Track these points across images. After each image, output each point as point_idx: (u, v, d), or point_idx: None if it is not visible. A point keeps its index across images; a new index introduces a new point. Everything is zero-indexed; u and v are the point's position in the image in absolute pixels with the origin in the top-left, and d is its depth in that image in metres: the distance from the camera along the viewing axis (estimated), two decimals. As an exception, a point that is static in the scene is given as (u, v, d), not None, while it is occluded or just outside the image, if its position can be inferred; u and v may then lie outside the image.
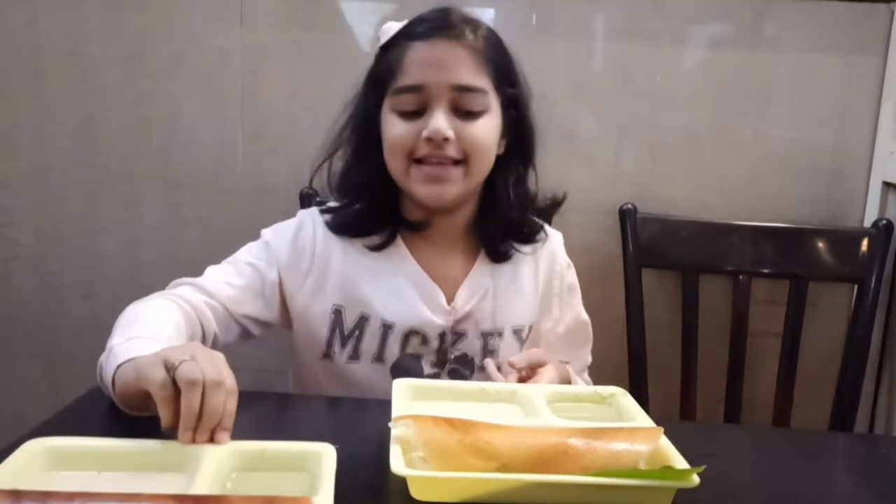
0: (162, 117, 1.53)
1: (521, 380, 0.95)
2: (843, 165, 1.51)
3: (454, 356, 1.07)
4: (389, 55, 1.01)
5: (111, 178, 1.56)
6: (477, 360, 1.07)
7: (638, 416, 0.82)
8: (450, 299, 1.06)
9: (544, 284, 1.13)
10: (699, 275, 1.48)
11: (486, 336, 1.08)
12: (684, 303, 1.48)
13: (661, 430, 0.73)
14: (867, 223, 1.49)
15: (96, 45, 1.51)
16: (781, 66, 1.48)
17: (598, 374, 1.56)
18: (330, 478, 0.65)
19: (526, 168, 1.09)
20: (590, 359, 1.21)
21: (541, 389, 0.88)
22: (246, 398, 0.93)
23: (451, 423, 0.71)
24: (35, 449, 0.68)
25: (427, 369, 1.06)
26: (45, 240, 1.59)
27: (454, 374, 1.08)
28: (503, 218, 1.07)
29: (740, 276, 1.47)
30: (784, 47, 1.48)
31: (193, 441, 0.69)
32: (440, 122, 0.97)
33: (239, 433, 0.72)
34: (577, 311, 1.18)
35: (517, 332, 1.10)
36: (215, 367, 0.72)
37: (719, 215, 1.50)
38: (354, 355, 1.06)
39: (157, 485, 0.66)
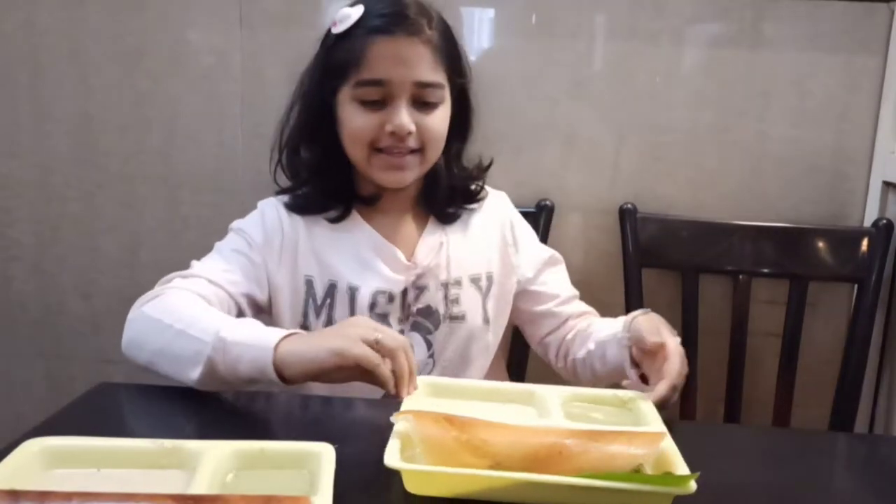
0: (162, 117, 1.54)
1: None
2: (844, 165, 1.51)
3: (416, 309, 1.13)
4: (349, 44, 1.05)
5: (111, 178, 1.56)
6: (441, 311, 1.14)
7: (652, 422, 0.82)
8: (408, 258, 1.13)
9: (496, 237, 1.20)
10: (699, 275, 1.48)
11: (446, 286, 1.14)
12: (684, 303, 1.47)
13: (664, 434, 0.73)
14: (867, 223, 1.49)
15: (96, 45, 1.51)
16: (781, 66, 1.48)
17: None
18: (329, 477, 0.65)
19: (464, 143, 1.18)
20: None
21: (559, 391, 0.89)
22: (246, 398, 0.94)
23: (449, 419, 0.71)
24: (33, 449, 0.68)
25: (395, 326, 1.12)
26: (44, 240, 1.59)
27: (417, 328, 1.14)
28: (447, 187, 1.15)
29: (740, 276, 1.47)
30: (784, 47, 1.48)
31: (406, 395, 0.85)
32: (404, 118, 1.04)
33: (238, 432, 0.72)
34: (538, 249, 1.25)
35: (475, 281, 1.16)
36: (395, 333, 0.88)
37: (719, 215, 1.50)
38: (329, 323, 1.11)
39: (156, 483, 0.66)
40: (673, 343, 0.95)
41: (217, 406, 0.92)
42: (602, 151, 1.52)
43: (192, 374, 0.91)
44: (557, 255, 1.25)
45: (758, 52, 1.48)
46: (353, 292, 1.11)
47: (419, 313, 1.14)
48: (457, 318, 1.15)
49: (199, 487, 0.63)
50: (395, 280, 1.11)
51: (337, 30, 1.07)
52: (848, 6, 1.45)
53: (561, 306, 1.21)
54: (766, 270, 1.48)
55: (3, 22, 1.51)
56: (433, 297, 1.14)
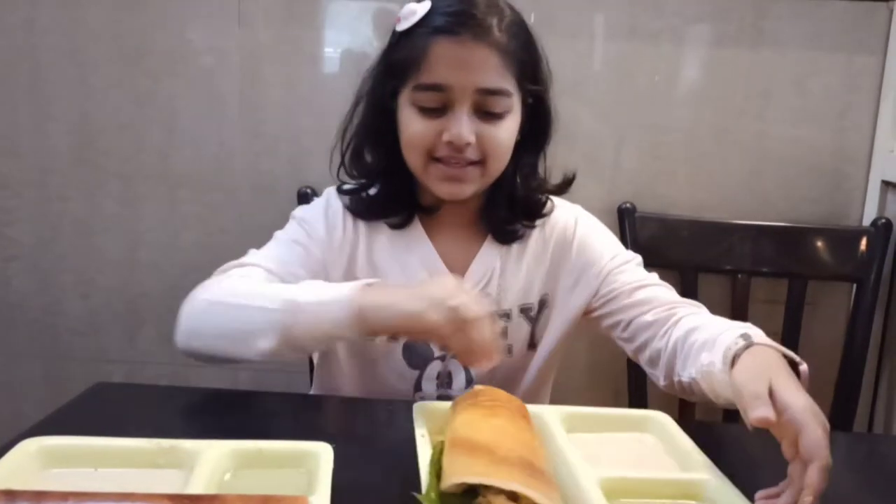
0: (161, 117, 1.53)
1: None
2: (843, 164, 1.51)
3: None
4: (411, 43, 0.98)
5: (110, 178, 1.56)
6: None
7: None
8: None
9: (556, 258, 1.10)
10: (698, 274, 1.48)
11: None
12: (683, 302, 1.47)
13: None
14: (866, 222, 1.49)
15: (96, 45, 1.51)
16: (781, 66, 1.48)
17: (599, 375, 1.58)
18: (327, 476, 0.65)
19: (538, 155, 1.09)
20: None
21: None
22: (244, 398, 0.94)
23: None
24: (30, 448, 0.68)
25: (437, 351, 1.07)
26: (44, 239, 1.59)
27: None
28: (509, 202, 1.07)
29: (739, 276, 1.47)
30: (783, 46, 1.48)
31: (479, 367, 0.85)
32: (463, 127, 0.96)
33: (236, 432, 0.72)
34: (611, 258, 1.10)
35: (525, 311, 1.09)
36: (476, 302, 0.84)
37: (718, 214, 1.50)
38: None
39: (153, 482, 0.66)
40: (801, 407, 0.67)
41: (215, 405, 0.92)
42: (602, 151, 1.52)
43: (264, 345, 0.87)
44: (632, 254, 1.11)
45: (757, 51, 1.48)
46: None
47: None
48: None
49: (197, 487, 0.63)
50: None
51: (400, 27, 0.99)
52: (847, 6, 1.45)
53: (637, 292, 1.05)
54: (765, 270, 1.48)
55: (3, 21, 1.51)
56: None
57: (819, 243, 1.47)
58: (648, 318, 1.02)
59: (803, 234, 1.48)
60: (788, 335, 1.47)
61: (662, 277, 1.50)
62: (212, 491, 0.63)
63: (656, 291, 1.05)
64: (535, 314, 1.10)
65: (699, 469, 0.73)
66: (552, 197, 1.12)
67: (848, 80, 1.48)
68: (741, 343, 0.80)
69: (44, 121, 1.54)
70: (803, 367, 0.78)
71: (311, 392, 1.16)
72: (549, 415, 0.82)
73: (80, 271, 1.59)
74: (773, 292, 1.50)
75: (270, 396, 0.95)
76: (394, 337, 0.94)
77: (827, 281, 1.51)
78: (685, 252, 1.48)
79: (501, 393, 0.80)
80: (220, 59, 1.51)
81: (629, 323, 1.05)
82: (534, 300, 1.10)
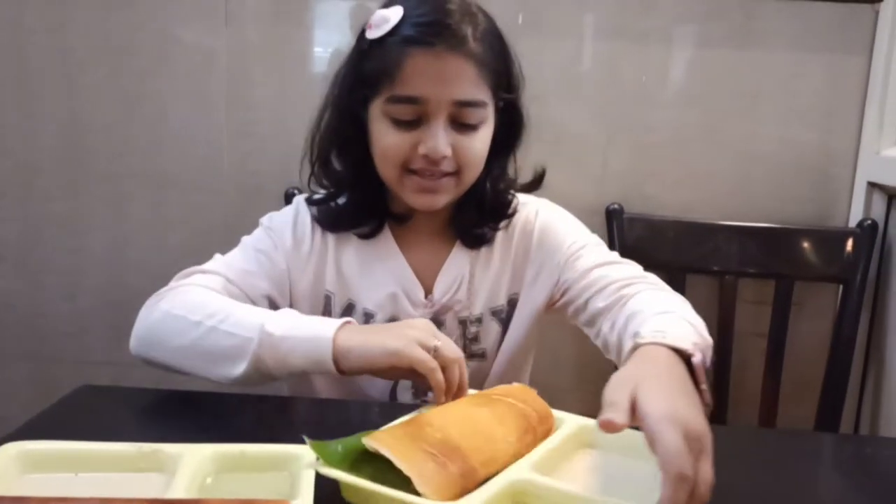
0: (148, 116, 1.53)
1: None
2: (829, 165, 1.52)
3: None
4: (383, 52, 0.95)
5: (97, 178, 1.55)
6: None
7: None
8: (428, 289, 1.06)
9: (520, 255, 1.09)
10: (686, 275, 1.48)
11: (463, 324, 1.08)
12: (671, 303, 1.48)
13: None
14: (852, 223, 1.49)
15: (82, 44, 1.51)
16: (768, 66, 1.49)
17: (585, 376, 1.58)
18: (310, 480, 0.64)
19: (508, 157, 1.08)
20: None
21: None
22: (227, 400, 0.93)
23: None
24: (10, 453, 0.67)
25: (410, 395, 1.06)
26: (29, 240, 1.58)
27: None
28: (478, 207, 1.06)
29: (726, 276, 1.48)
30: (770, 47, 1.48)
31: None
32: (439, 141, 0.94)
33: (219, 435, 0.72)
34: (571, 246, 1.08)
35: (496, 314, 1.09)
36: (453, 344, 0.85)
37: (706, 215, 1.50)
38: None
39: (135, 487, 0.66)
40: (656, 416, 0.63)
41: (198, 408, 0.91)
42: (590, 151, 1.52)
43: (233, 371, 0.87)
44: (593, 237, 1.11)
45: (745, 52, 1.48)
46: (368, 319, 1.05)
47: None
48: (476, 356, 1.08)
49: (178, 491, 0.63)
50: (410, 314, 1.05)
51: (372, 34, 0.96)
52: (833, 7, 1.46)
53: (591, 273, 1.03)
54: (752, 270, 1.48)
55: (-11, 20, 1.50)
56: (449, 334, 1.04)
57: (805, 244, 1.48)
58: (600, 304, 1.00)
59: (790, 235, 1.48)
60: (775, 336, 1.47)
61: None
62: (193, 495, 0.63)
63: (608, 270, 1.03)
64: (506, 316, 1.09)
65: None
66: (518, 195, 1.11)
67: (834, 82, 1.49)
68: (629, 345, 0.82)
69: (30, 120, 1.54)
70: (696, 358, 0.77)
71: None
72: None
73: (67, 272, 1.58)
74: (760, 293, 1.51)
75: (255, 399, 0.94)
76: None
77: (813, 282, 1.51)
78: (673, 253, 1.48)
79: (528, 393, 0.83)
80: (207, 59, 1.51)
81: (585, 307, 1.03)
82: (503, 301, 1.09)
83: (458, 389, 0.83)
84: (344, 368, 0.85)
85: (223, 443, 0.71)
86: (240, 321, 0.88)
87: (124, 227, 1.57)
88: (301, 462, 0.67)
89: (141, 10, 1.49)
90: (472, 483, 0.67)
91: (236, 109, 1.52)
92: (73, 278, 1.58)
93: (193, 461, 0.67)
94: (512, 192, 1.10)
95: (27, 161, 1.55)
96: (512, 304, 1.10)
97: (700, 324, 0.90)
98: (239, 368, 0.86)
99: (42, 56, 1.51)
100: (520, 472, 0.70)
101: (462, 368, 0.84)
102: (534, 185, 1.12)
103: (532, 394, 0.83)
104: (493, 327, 1.09)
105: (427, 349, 0.82)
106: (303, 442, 0.67)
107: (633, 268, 1.05)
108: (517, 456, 0.72)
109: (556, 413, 0.82)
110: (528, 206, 1.12)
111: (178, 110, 1.52)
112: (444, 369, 0.82)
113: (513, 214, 1.09)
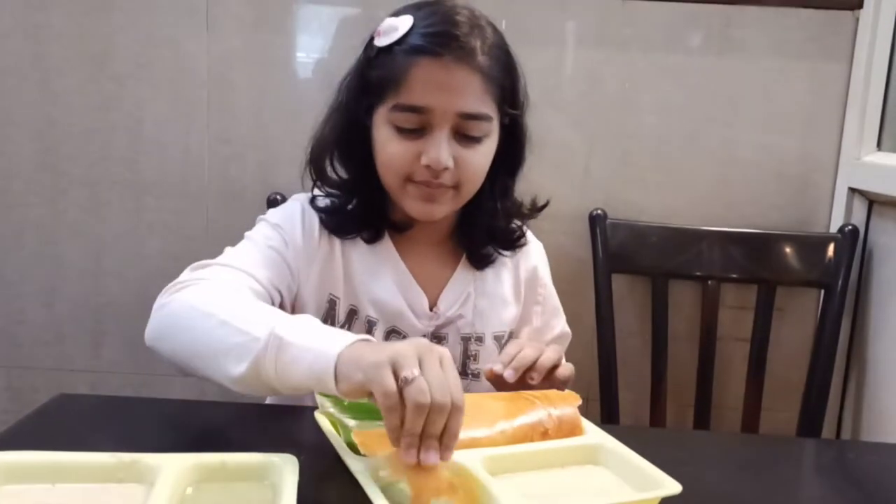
0: (127, 122, 1.51)
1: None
2: (810, 171, 1.53)
3: None
4: (390, 61, 0.95)
5: (74, 184, 1.53)
6: (458, 366, 1.05)
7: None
8: (432, 302, 1.06)
9: (526, 292, 1.13)
10: (669, 280, 1.48)
11: (466, 341, 1.07)
12: (654, 308, 1.48)
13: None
14: (833, 229, 1.50)
15: (60, 48, 1.49)
16: (749, 73, 1.50)
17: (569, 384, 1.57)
18: (292, 489, 0.64)
19: (513, 177, 1.08)
20: None
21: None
22: (207, 408, 0.92)
23: None
24: (-14, 463, 0.66)
25: None
26: (6, 247, 1.55)
27: None
28: (486, 225, 1.06)
29: (709, 282, 1.48)
30: (751, 54, 1.49)
31: (417, 459, 0.66)
32: (442, 151, 0.94)
33: (200, 444, 0.71)
34: (560, 328, 1.18)
35: (498, 339, 1.09)
36: (442, 383, 0.67)
37: (688, 221, 1.51)
38: None
39: (114, 497, 0.65)
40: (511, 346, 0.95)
41: (178, 417, 0.90)
42: (572, 157, 1.53)
43: (234, 370, 0.78)
44: (568, 332, 1.19)
45: (725, 59, 1.49)
46: (370, 325, 1.03)
47: None
48: (474, 376, 1.07)
49: (158, 502, 0.62)
50: (414, 327, 1.04)
51: (380, 42, 0.96)
52: (813, 14, 1.47)
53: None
54: (734, 276, 1.49)
55: (-37, 24, 1.48)
56: (451, 350, 0.96)
57: (787, 250, 1.48)
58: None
59: (772, 241, 1.49)
60: (758, 341, 1.48)
61: (633, 283, 1.51)
62: (173, 505, 0.62)
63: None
64: (506, 343, 1.09)
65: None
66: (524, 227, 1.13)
67: (814, 88, 1.50)
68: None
69: (5, 125, 1.51)
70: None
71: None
72: None
73: (44, 279, 1.56)
74: (743, 298, 1.51)
75: (236, 407, 0.93)
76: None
77: (795, 287, 1.52)
78: (655, 258, 1.49)
79: (567, 399, 0.85)
80: (187, 64, 1.49)
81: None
82: (506, 330, 1.10)
83: (443, 437, 0.67)
84: (341, 390, 0.72)
85: (204, 452, 0.70)
86: (253, 318, 0.80)
87: (102, 233, 1.55)
88: (283, 471, 0.67)
89: (119, 15, 1.48)
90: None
91: (217, 115, 1.51)
92: (50, 285, 1.56)
93: (173, 471, 0.66)
94: (517, 222, 1.11)
95: (3, 167, 1.53)
96: (514, 335, 1.11)
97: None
98: (241, 368, 0.77)
99: (17, 61, 1.49)
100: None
101: (436, 418, 0.66)
102: (534, 213, 1.13)
103: (570, 401, 0.83)
104: (493, 351, 1.08)
105: (397, 377, 0.67)
106: (284, 451, 0.66)
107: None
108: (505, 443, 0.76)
109: (589, 426, 0.83)
110: (535, 251, 1.16)
111: (157, 116, 1.51)
112: (409, 411, 0.66)
113: (521, 246, 1.12)
